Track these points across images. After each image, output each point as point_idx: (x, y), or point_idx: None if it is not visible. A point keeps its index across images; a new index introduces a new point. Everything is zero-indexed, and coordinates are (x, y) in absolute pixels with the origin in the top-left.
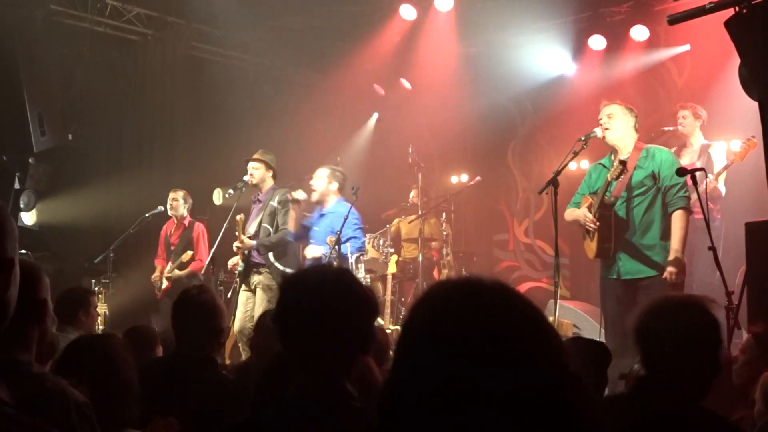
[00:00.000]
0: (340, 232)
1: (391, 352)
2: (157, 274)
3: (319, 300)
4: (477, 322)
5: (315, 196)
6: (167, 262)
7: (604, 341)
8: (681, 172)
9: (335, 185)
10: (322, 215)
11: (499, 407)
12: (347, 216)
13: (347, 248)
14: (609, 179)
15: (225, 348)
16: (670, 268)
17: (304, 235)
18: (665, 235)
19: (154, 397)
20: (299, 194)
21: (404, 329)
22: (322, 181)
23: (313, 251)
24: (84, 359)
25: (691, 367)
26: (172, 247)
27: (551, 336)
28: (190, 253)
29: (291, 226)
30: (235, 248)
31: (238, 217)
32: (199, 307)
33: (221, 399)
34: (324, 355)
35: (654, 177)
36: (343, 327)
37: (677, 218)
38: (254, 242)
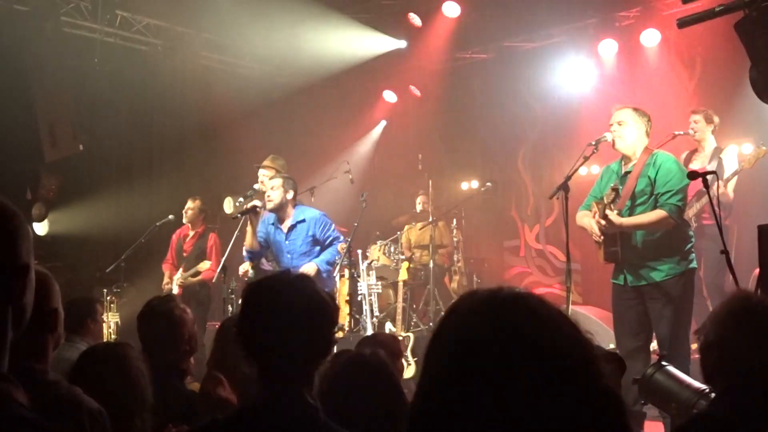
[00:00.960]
0: (350, 239)
1: (403, 360)
2: (167, 279)
3: (280, 309)
4: (506, 334)
5: (270, 206)
6: (176, 269)
7: (616, 345)
8: (692, 175)
9: (291, 194)
10: (293, 226)
11: (529, 420)
12: (321, 220)
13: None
14: (606, 201)
15: None
16: (597, 217)
17: (261, 252)
18: (668, 242)
19: None
20: (257, 202)
21: (434, 338)
22: (278, 191)
23: (308, 269)
24: (99, 368)
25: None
26: (185, 254)
27: (585, 349)
28: (208, 263)
29: (248, 242)
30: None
31: (247, 229)
32: (158, 317)
33: (182, 409)
34: (285, 364)
35: (652, 184)
36: (303, 336)
37: (653, 212)
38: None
